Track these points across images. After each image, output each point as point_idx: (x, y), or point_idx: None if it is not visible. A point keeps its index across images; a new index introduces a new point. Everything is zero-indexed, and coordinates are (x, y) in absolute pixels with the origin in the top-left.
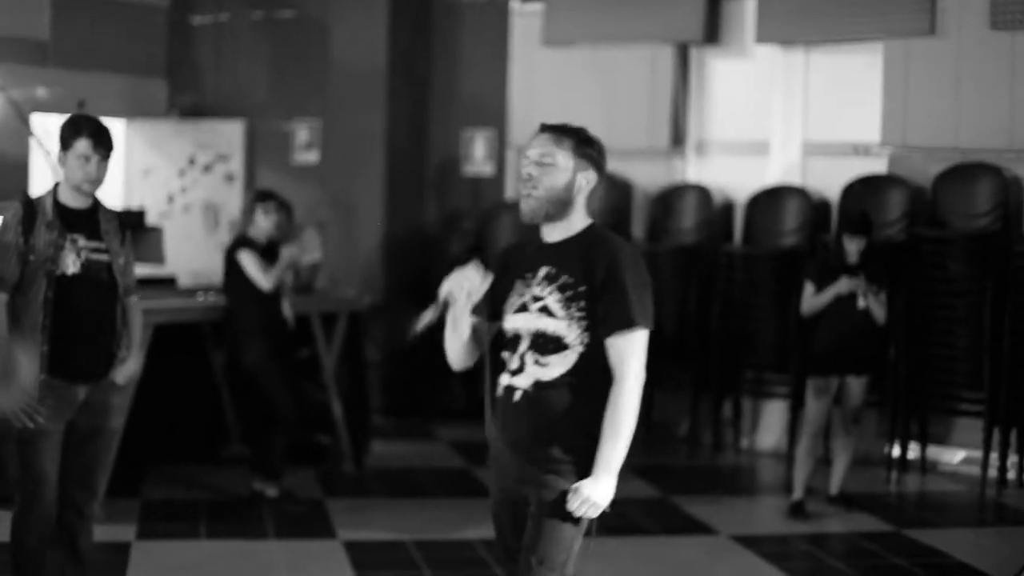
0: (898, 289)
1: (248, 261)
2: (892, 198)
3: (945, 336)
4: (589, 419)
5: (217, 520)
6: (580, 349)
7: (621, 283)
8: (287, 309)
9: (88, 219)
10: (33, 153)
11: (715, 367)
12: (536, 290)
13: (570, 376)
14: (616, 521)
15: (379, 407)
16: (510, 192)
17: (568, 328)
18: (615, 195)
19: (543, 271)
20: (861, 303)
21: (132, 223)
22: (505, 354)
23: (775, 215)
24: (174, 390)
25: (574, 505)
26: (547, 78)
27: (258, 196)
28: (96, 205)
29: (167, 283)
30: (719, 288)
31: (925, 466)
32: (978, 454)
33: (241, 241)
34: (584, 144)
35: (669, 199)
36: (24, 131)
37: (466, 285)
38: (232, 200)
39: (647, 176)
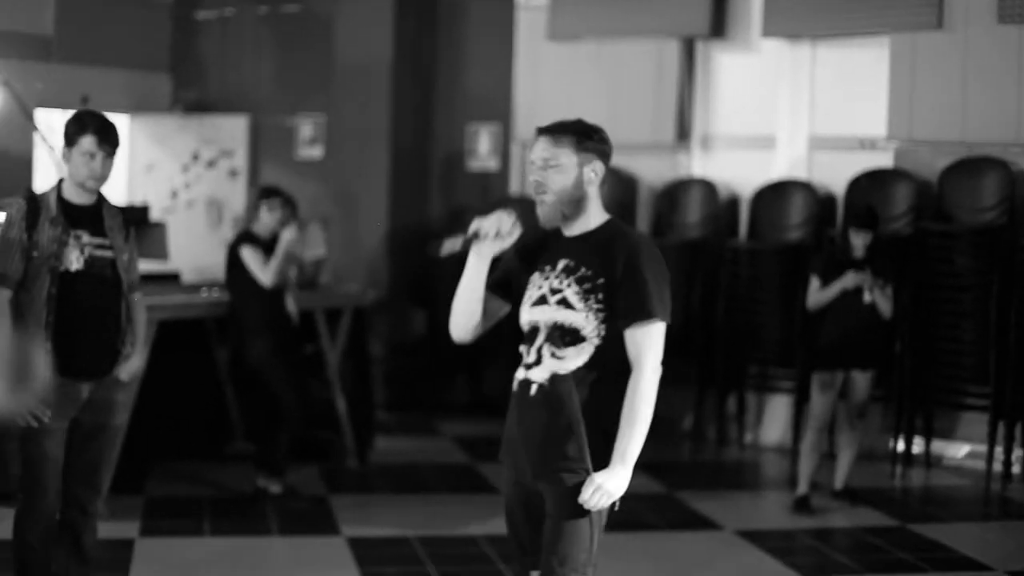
0: (904, 283)
1: (251, 257)
2: (898, 192)
3: (951, 330)
4: (605, 415)
5: (221, 517)
6: (596, 342)
7: (641, 275)
8: (291, 305)
9: (92, 215)
10: (37, 149)
11: (720, 362)
12: (555, 282)
13: (586, 370)
14: (621, 516)
15: (383, 403)
16: (515, 187)
17: (586, 320)
18: (620, 190)
19: (562, 263)
20: (867, 297)
21: (135, 219)
22: (522, 348)
23: (781, 209)
24: (178, 387)
25: (586, 495)
26: (552, 72)
27: (263, 192)
28: (100, 201)
29: (171, 279)
30: (724, 283)
31: (930, 461)
32: (982, 448)
33: (245, 237)
34: (584, 138)
35: (674, 194)
36: (28, 127)
37: (498, 225)
38: (236, 196)
39: (652, 171)
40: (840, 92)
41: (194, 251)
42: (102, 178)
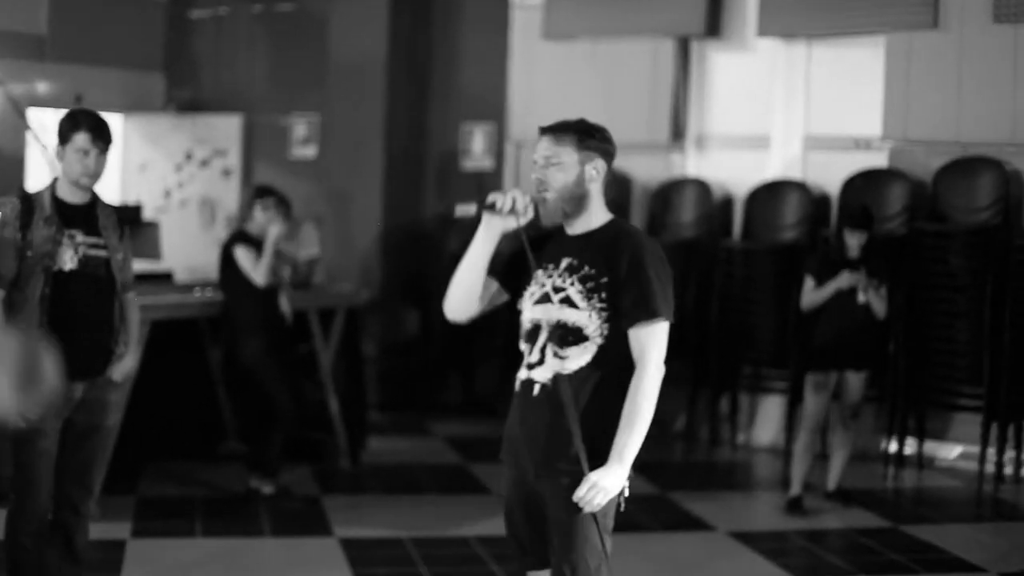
0: (898, 283)
1: (244, 257)
2: (893, 192)
3: (945, 331)
4: (607, 415)
5: (213, 517)
6: (600, 341)
7: (646, 274)
8: (284, 305)
9: (86, 214)
10: (30, 148)
11: (713, 362)
12: (557, 281)
13: (589, 370)
14: (613, 518)
15: (376, 403)
16: (509, 186)
17: (589, 319)
18: (614, 189)
19: (565, 262)
20: (861, 298)
21: (128, 218)
22: (523, 346)
23: (775, 209)
24: (171, 387)
25: (582, 492)
26: (547, 72)
27: (257, 192)
28: (94, 200)
29: (164, 279)
30: (718, 283)
31: (922, 462)
32: (975, 449)
33: (238, 236)
34: (585, 136)
35: (668, 193)
36: (21, 126)
37: (514, 202)
38: (229, 195)
39: (647, 170)
40: (835, 92)
41: (187, 251)
42: (96, 175)
